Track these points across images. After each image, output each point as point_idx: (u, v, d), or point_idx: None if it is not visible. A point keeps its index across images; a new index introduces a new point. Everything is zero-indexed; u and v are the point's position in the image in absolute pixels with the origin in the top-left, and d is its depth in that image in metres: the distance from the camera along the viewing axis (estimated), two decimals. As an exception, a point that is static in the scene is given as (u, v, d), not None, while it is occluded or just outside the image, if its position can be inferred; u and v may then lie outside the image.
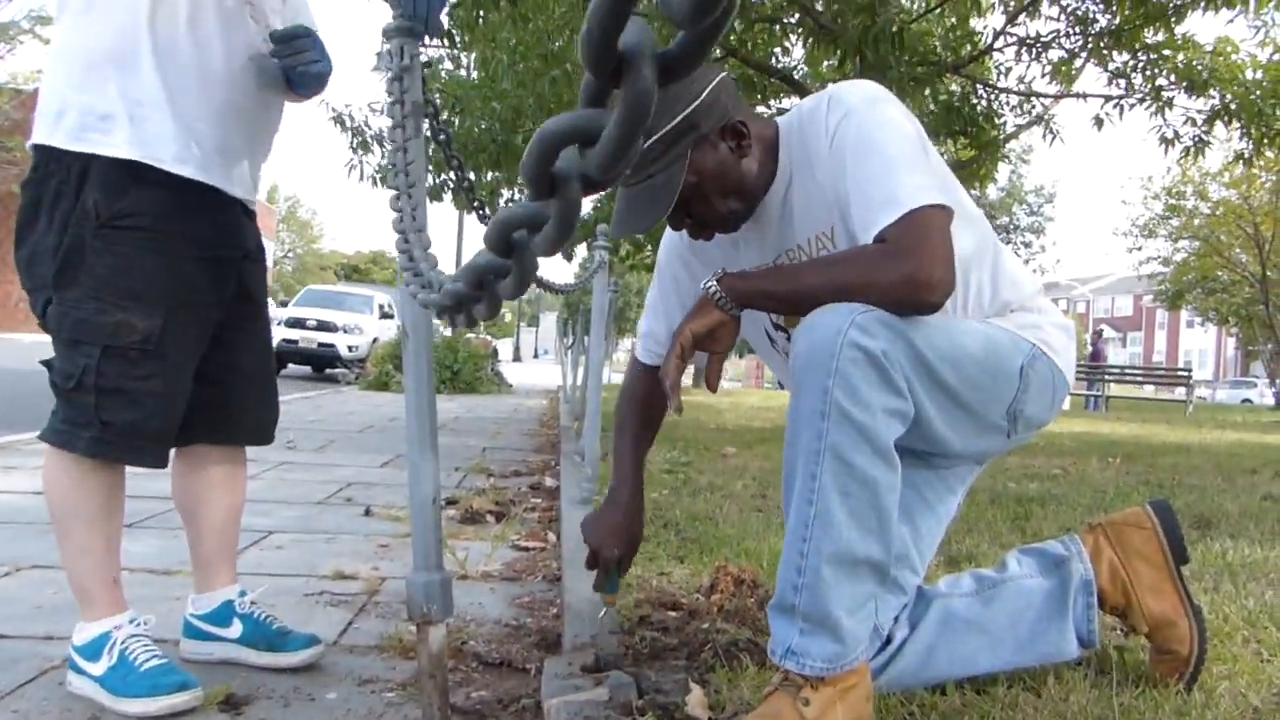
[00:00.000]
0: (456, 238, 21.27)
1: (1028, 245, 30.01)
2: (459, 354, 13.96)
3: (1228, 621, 1.78)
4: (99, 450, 1.55)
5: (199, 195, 1.60)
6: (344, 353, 15.37)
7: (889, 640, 1.46)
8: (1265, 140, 6.54)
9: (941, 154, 8.25)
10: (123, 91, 1.51)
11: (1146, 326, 65.04)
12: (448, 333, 16.91)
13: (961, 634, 1.47)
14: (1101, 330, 25.06)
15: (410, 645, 1.88)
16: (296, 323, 14.89)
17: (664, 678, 1.55)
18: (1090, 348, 21.32)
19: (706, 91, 1.39)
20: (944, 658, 1.46)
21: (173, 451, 1.73)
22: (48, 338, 1.58)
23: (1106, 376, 18.60)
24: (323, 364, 15.18)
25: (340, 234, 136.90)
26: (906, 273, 1.22)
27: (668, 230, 1.63)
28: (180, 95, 1.55)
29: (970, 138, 7.28)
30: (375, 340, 15.71)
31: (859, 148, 1.32)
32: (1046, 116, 7.93)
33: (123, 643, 1.56)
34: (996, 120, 7.40)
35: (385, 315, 20.17)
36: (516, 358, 45.94)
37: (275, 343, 14.00)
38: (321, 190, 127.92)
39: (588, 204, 10.97)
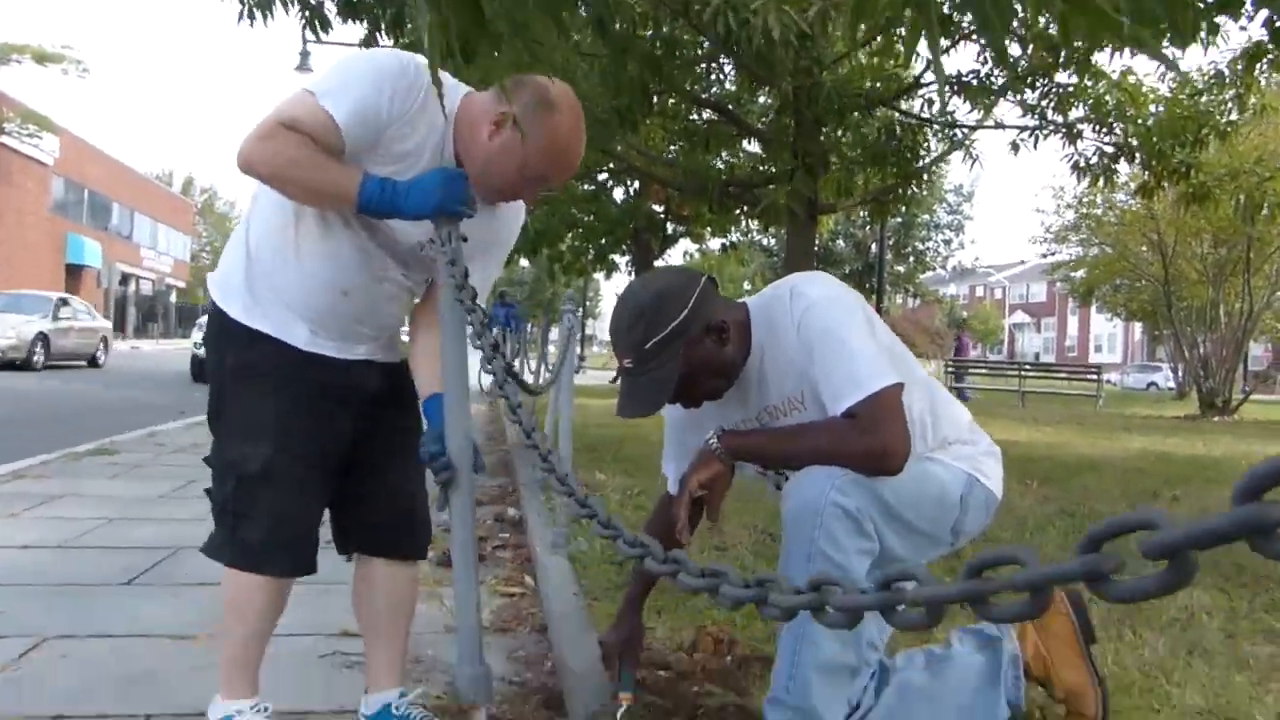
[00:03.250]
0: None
1: (948, 243, 31.16)
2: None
3: (1126, 672, 2.15)
4: (237, 562, 1.78)
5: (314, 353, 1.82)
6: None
7: (857, 707, 1.78)
8: (1165, 174, 7.11)
9: (868, 182, 8.72)
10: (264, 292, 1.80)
11: (1059, 313, 67.81)
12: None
13: (915, 702, 1.81)
14: (961, 335, 30.53)
15: (440, 707, 2.13)
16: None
17: (669, 744, 1.84)
18: (956, 342, 26.30)
19: (692, 301, 1.70)
20: (902, 721, 1.79)
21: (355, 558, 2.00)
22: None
23: (1024, 371, 19.62)
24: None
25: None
26: (870, 447, 1.57)
27: None
28: (303, 311, 1.79)
29: (897, 169, 7.75)
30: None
31: (824, 338, 1.66)
32: (967, 143, 8.45)
33: None
34: (920, 152, 7.88)
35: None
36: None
37: (190, 355, 13.59)
38: (240, 180, 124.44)
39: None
